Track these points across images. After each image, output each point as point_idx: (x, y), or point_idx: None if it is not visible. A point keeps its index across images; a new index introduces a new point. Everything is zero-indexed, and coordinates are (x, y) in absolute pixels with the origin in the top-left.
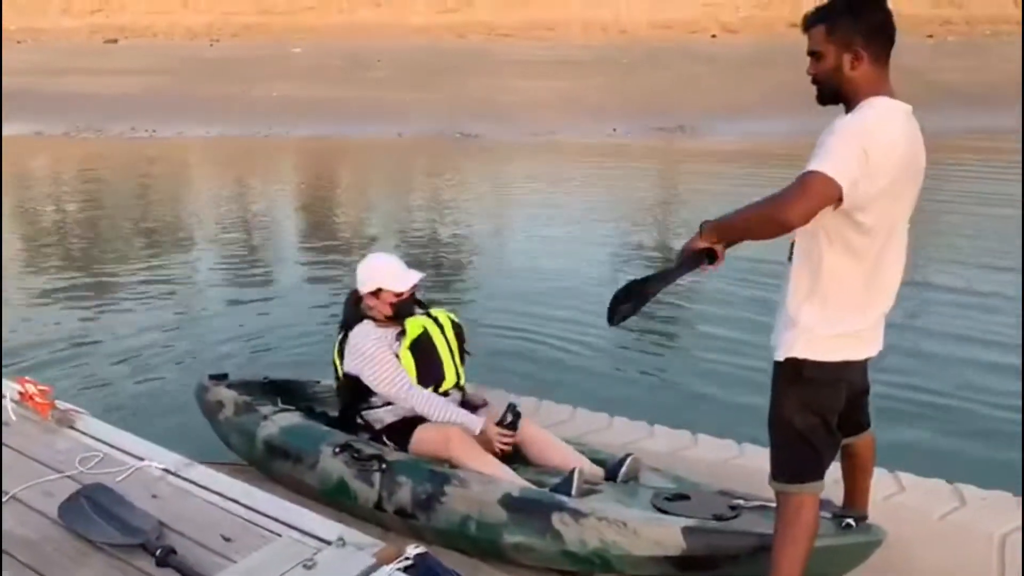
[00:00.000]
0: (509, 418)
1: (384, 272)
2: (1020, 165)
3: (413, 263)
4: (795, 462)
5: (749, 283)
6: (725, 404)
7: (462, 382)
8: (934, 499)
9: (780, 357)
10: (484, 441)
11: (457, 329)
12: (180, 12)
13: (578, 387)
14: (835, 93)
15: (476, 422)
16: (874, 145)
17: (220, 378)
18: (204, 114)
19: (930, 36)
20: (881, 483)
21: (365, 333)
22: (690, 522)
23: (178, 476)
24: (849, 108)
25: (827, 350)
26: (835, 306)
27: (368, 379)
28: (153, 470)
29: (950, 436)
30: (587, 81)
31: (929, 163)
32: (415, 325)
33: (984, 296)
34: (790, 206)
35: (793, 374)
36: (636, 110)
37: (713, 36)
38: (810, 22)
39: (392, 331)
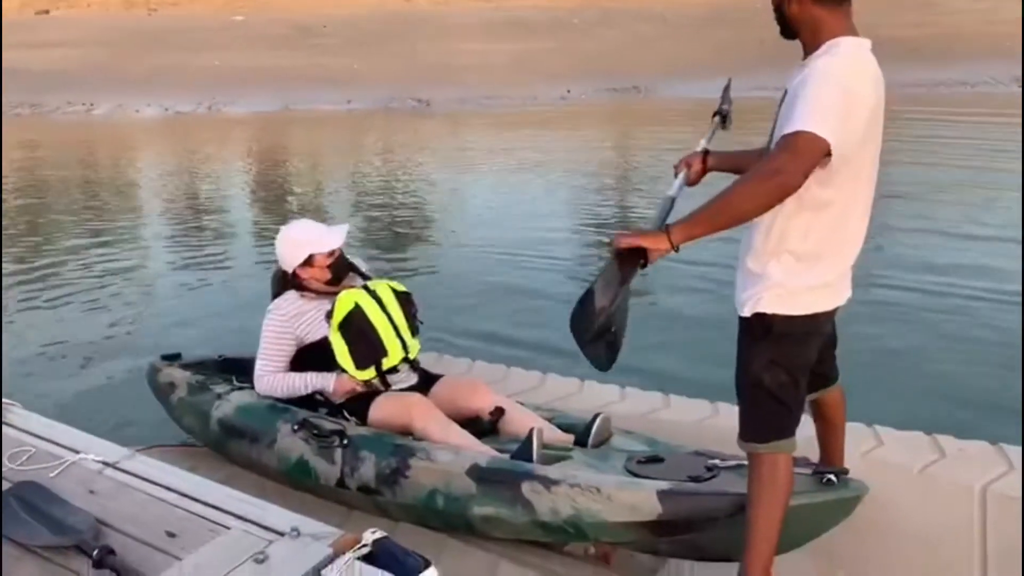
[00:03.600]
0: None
1: (308, 237)
2: (1020, 148)
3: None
4: (766, 421)
5: (717, 243)
6: (696, 362)
7: (412, 355)
8: (913, 452)
9: (746, 313)
10: (448, 410)
11: (402, 298)
12: None
13: (546, 351)
14: (787, 29)
15: (328, 378)
16: (850, 93)
17: (172, 358)
18: (144, 86)
19: None
20: (859, 437)
21: (276, 306)
22: (665, 485)
23: (118, 469)
24: (806, 49)
25: (797, 304)
26: (806, 259)
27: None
28: (90, 463)
29: (921, 387)
30: (539, 43)
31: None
32: (345, 302)
33: (944, 242)
34: (786, 168)
35: (761, 330)
36: (589, 72)
37: None
38: None
39: (325, 303)
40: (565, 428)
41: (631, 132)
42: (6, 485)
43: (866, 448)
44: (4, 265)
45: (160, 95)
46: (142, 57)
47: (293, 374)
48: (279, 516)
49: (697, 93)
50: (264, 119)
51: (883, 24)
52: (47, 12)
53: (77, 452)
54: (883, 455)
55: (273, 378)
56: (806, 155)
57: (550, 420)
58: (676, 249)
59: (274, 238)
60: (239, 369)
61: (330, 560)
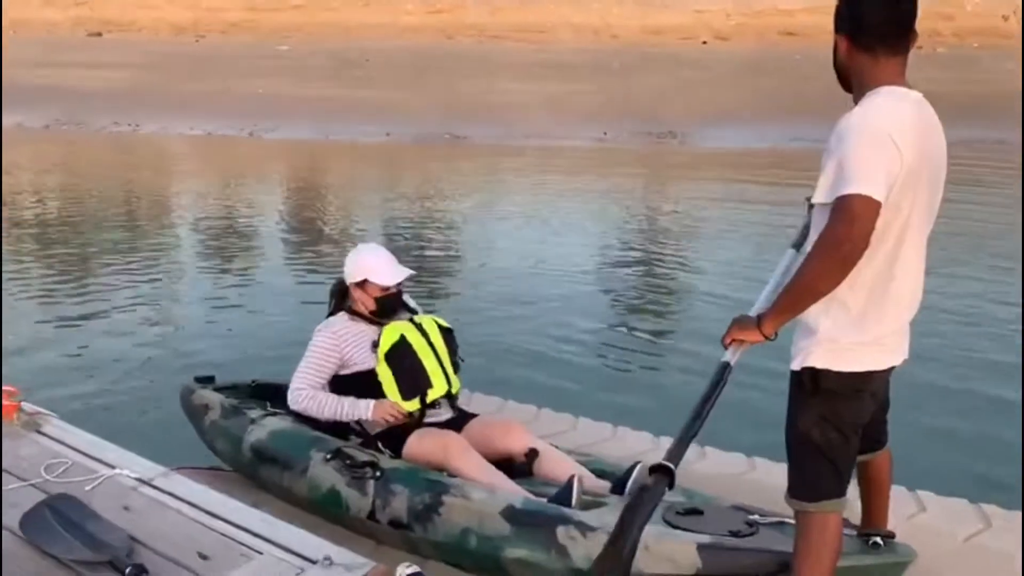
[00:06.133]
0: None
1: (372, 263)
2: (1020, 167)
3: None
4: (815, 479)
5: (748, 287)
6: (731, 413)
7: (454, 390)
8: (957, 520)
9: (796, 367)
10: (481, 449)
11: (446, 334)
12: (166, 8)
13: (576, 394)
14: (843, 82)
15: (365, 407)
16: (885, 143)
17: (206, 380)
18: (188, 110)
19: (920, 47)
20: (901, 502)
21: (328, 324)
22: (705, 538)
23: (152, 486)
24: (854, 100)
25: (848, 360)
26: (856, 312)
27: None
28: (125, 479)
29: (966, 452)
30: (578, 85)
31: None
32: (391, 332)
33: (992, 305)
34: (848, 237)
35: (811, 385)
36: (627, 115)
37: (704, 43)
38: None
39: (371, 332)
40: (599, 474)
41: (666, 175)
42: (41, 496)
43: (908, 513)
44: (39, 278)
45: (204, 119)
46: (188, 82)
47: (332, 396)
48: (311, 544)
49: (733, 142)
50: (304, 147)
51: (925, 79)
52: (99, 34)
53: (112, 467)
54: (926, 521)
55: (310, 394)
56: (863, 219)
57: (584, 465)
58: (772, 337)
59: (305, 267)
60: (273, 395)
61: None
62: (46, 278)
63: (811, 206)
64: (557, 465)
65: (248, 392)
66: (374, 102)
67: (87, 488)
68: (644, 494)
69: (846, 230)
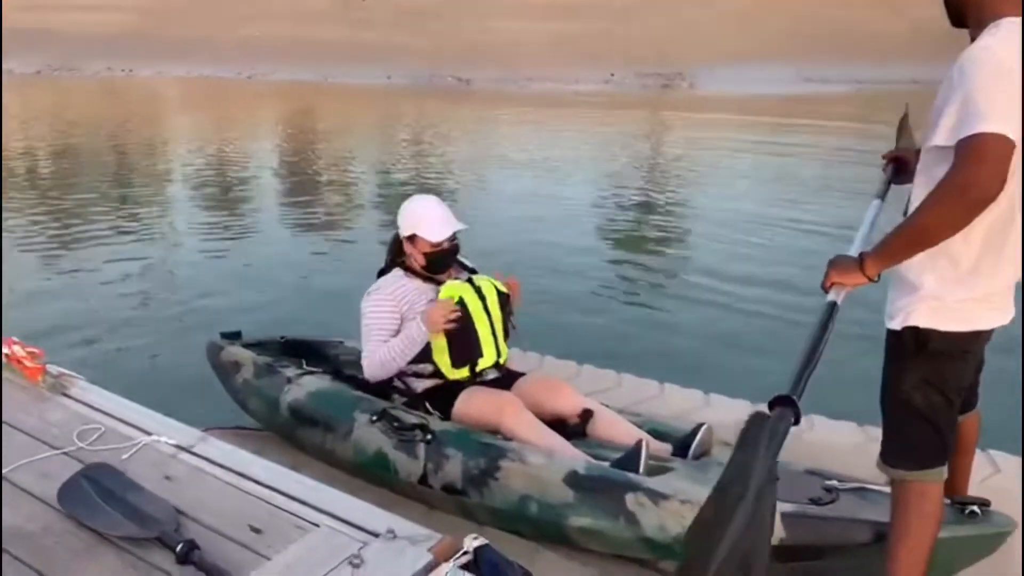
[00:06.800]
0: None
1: (420, 218)
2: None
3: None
4: (916, 445)
5: (771, 233)
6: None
7: (503, 360)
8: None
9: (897, 326)
10: (531, 409)
11: (503, 300)
12: None
13: (610, 347)
14: (954, 14)
15: (418, 328)
16: (1013, 78)
17: (232, 336)
18: (183, 54)
19: None
20: (974, 464)
21: (378, 287)
22: (788, 507)
23: (192, 453)
24: (971, 36)
25: (956, 319)
26: (966, 266)
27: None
28: (163, 446)
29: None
30: (582, 24)
31: None
32: (448, 294)
33: None
34: (977, 180)
35: (915, 345)
36: (633, 56)
37: None
38: None
39: (428, 289)
40: (656, 435)
41: (674, 119)
42: (76, 465)
43: (982, 475)
44: (42, 229)
45: (200, 63)
46: (183, 26)
47: (392, 340)
48: (371, 515)
49: (743, 84)
50: (303, 89)
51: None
52: None
53: (148, 433)
54: (1001, 483)
55: (377, 353)
56: (995, 160)
57: (638, 426)
58: (876, 279)
59: (306, 216)
60: (305, 352)
61: (431, 567)
62: (43, 232)
63: (888, 161)
64: (613, 426)
65: (278, 349)
66: (373, 44)
67: (124, 456)
68: (767, 427)
69: (975, 172)
